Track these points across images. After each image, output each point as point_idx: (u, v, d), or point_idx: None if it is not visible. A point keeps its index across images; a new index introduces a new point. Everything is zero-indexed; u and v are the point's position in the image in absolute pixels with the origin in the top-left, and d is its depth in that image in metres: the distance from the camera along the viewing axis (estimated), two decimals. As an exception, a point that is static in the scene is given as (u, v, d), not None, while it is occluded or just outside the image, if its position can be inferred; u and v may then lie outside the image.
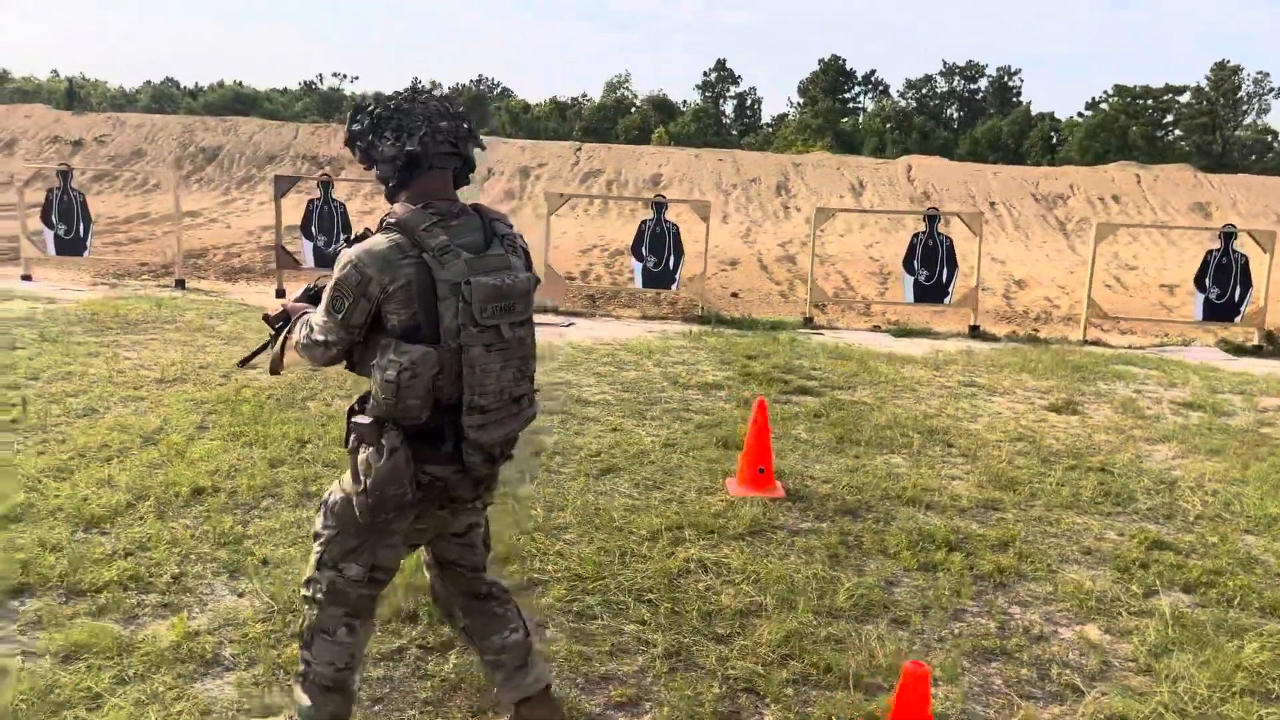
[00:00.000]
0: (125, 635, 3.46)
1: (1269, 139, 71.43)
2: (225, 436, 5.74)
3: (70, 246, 12.25)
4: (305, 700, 2.77)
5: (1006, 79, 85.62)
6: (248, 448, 5.54)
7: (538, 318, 2.81)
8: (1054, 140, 64.52)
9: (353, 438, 2.59)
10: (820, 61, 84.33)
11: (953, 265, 11.71)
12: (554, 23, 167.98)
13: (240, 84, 63.27)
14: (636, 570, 4.18)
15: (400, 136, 2.53)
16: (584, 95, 76.72)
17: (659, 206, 11.98)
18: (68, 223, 12.20)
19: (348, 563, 2.69)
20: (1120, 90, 74.25)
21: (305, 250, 12.08)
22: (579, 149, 26.07)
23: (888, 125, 66.19)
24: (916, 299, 11.82)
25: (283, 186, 12.16)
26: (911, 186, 24.10)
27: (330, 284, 2.54)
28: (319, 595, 2.73)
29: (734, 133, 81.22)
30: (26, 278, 12.04)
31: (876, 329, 11.82)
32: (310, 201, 12.09)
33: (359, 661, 2.84)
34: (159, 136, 25.16)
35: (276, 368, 2.83)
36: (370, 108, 2.61)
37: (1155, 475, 5.92)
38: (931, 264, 11.70)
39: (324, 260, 12.10)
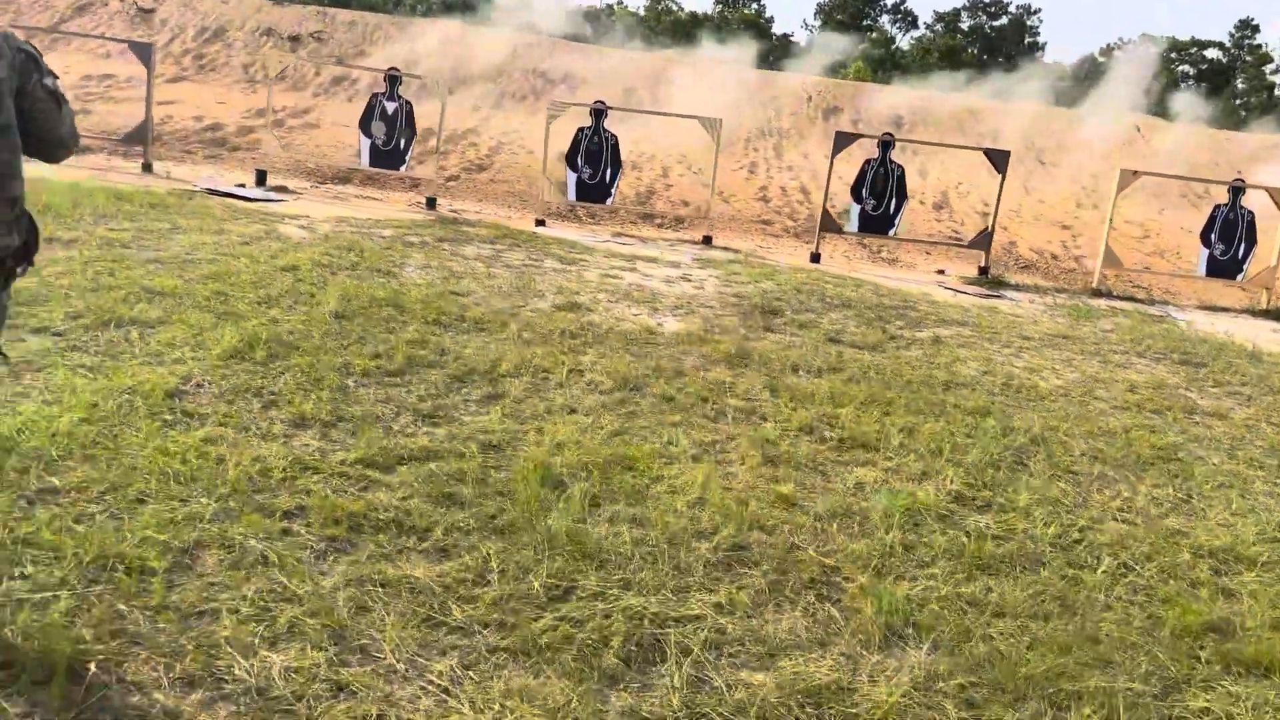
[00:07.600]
0: None
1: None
2: None
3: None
4: None
5: (1025, 18, 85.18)
6: None
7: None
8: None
9: None
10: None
11: None
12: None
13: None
14: None
15: None
16: (618, 2, 73.05)
17: (1236, 191, 11.20)
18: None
19: None
20: (1147, 40, 74.52)
21: (852, 213, 11.00)
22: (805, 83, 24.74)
23: (936, 58, 65.00)
24: None
25: (842, 144, 10.94)
26: (1155, 152, 23.50)
27: None
28: None
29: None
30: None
31: None
32: (866, 161, 10.96)
33: None
34: (374, 37, 22.76)
35: None
36: None
37: None
38: None
39: (869, 225, 11.05)
